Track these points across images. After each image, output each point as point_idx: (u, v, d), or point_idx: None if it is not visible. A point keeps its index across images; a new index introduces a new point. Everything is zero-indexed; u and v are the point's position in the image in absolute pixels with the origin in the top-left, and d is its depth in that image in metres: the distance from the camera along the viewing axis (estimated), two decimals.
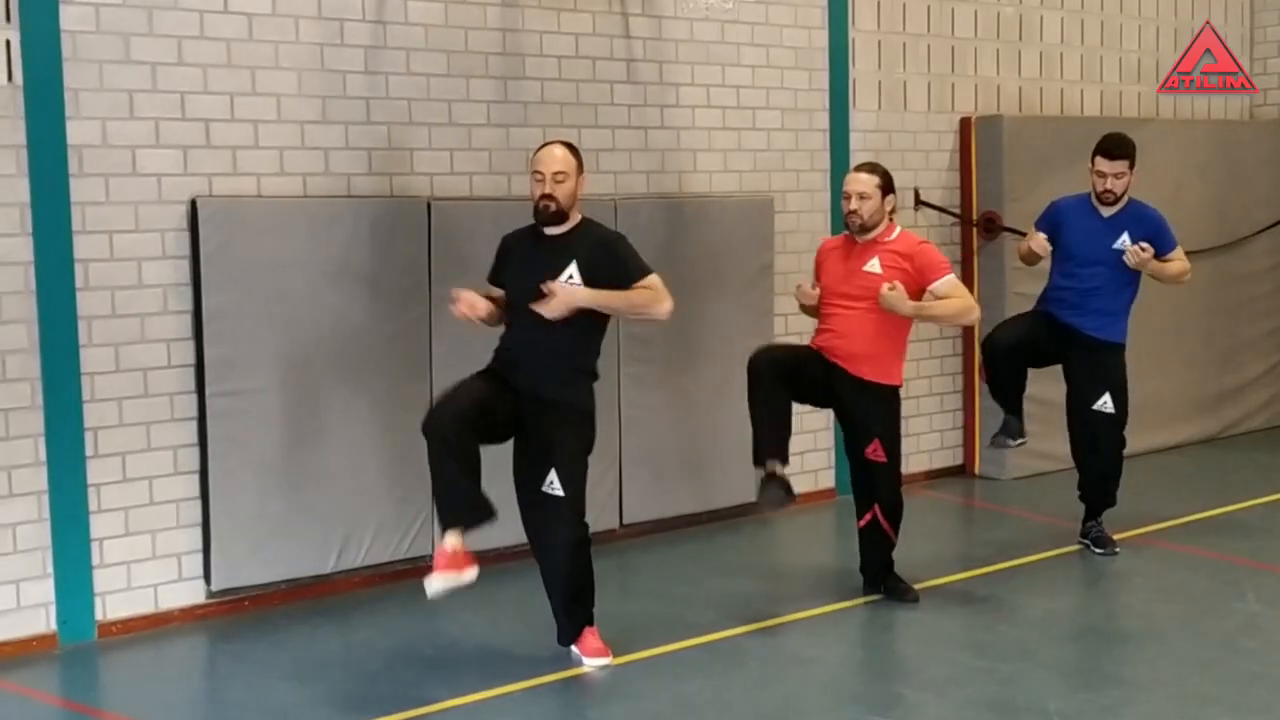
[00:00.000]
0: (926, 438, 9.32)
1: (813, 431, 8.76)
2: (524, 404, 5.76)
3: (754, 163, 8.34)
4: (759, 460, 6.45)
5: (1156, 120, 10.25)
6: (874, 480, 6.67)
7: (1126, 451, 9.83)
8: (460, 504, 5.55)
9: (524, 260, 5.85)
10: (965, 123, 9.30)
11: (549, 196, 5.76)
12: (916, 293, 6.47)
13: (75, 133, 6.19)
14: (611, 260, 5.81)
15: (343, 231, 6.83)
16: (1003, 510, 7.46)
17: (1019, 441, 7.61)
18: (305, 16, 6.77)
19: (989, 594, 6.86)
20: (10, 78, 6.03)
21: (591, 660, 5.89)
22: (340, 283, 6.84)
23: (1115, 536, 7.71)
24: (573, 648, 5.95)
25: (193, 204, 6.46)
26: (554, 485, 5.70)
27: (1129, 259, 7.24)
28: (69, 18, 6.14)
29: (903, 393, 8.97)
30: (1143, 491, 9.00)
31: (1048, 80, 9.83)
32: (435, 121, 7.17)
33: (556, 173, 5.76)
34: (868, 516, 6.72)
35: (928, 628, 6.51)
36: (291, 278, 6.70)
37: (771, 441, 6.44)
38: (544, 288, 5.63)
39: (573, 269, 5.73)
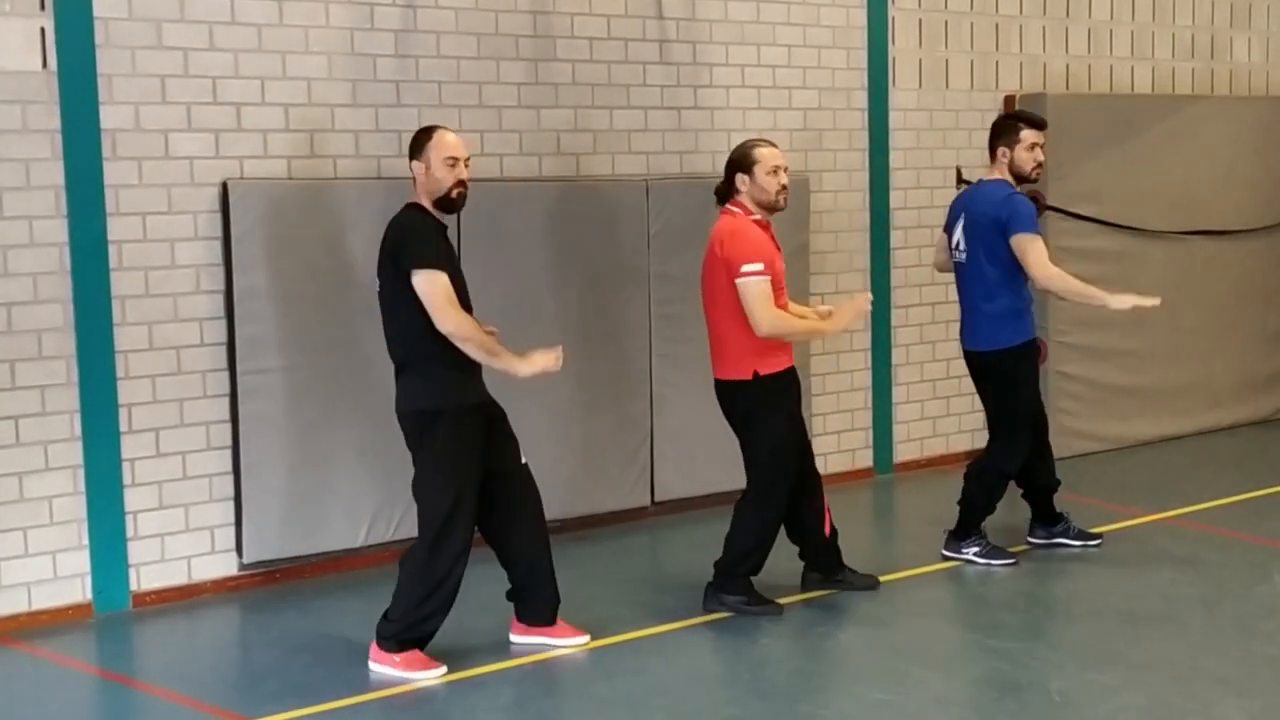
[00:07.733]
0: (969, 418, 9.28)
1: (850, 411, 8.80)
2: (489, 415, 5.77)
3: (790, 142, 8.32)
4: (752, 574, 6.33)
5: (1210, 97, 10.10)
6: (817, 477, 6.44)
7: (1175, 432, 9.87)
8: (421, 637, 5.71)
9: (450, 253, 5.65)
10: (1009, 101, 9.22)
11: (465, 184, 5.60)
12: None
13: (109, 117, 6.35)
14: None
15: (373, 213, 6.93)
16: None
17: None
18: (335, 1, 6.89)
19: (1013, 574, 6.84)
20: (45, 64, 6.21)
21: (569, 640, 5.92)
22: (370, 263, 6.91)
23: (1154, 519, 7.67)
24: (540, 637, 5.94)
25: (224, 186, 6.61)
26: (523, 455, 5.86)
27: None
28: (102, 5, 6.30)
29: (937, 371, 9.13)
30: (1187, 474, 8.92)
31: (1096, 58, 9.71)
32: (466, 104, 7.26)
33: (468, 159, 5.65)
34: (828, 518, 6.45)
35: (945, 607, 6.53)
36: (322, 258, 6.84)
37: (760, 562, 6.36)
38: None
39: None
